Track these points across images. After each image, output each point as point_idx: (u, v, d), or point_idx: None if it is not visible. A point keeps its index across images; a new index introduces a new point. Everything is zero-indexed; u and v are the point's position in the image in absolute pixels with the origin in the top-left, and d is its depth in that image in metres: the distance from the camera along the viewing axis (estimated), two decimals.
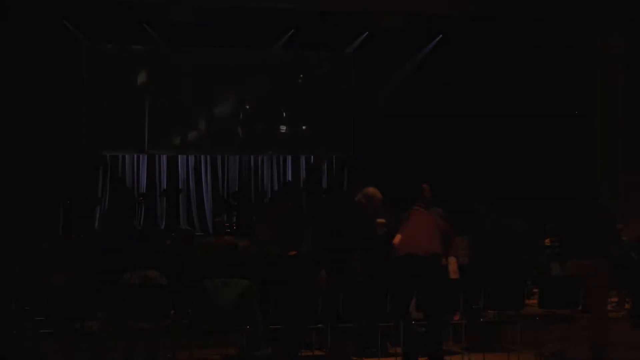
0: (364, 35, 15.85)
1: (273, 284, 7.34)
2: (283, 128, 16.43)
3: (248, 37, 15.23)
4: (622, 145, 14.89)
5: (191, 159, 16.24)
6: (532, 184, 14.73)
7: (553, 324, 7.84)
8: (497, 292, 7.74)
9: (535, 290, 8.94)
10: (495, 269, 8.48)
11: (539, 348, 7.76)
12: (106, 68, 15.43)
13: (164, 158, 16.10)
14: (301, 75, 16.45)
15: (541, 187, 14.64)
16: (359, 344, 7.79)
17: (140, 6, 14.02)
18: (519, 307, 7.83)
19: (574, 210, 8.05)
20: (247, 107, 16.33)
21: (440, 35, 15.81)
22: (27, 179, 14.21)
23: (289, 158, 16.65)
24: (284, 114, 16.41)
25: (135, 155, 15.95)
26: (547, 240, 11.73)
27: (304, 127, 16.53)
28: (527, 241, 9.51)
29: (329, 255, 7.72)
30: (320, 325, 7.34)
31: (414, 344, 7.29)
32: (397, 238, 7.64)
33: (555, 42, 14.71)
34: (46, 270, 7.67)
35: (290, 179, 16.50)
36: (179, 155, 16.14)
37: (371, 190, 8.11)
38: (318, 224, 9.70)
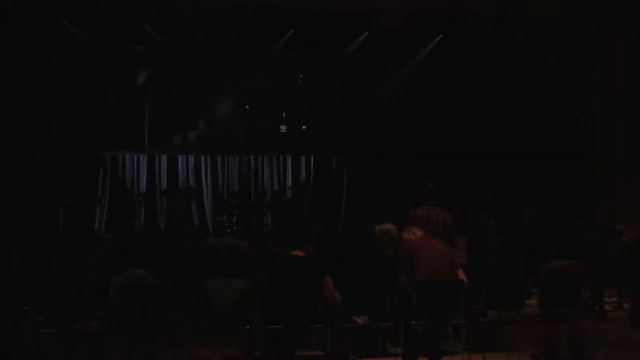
0: (364, 35, 15.85)
1: (273, 284, 7.32)
2: (283, 128, 16.42)
3: (248, 37, 15.23)
4: (622, 145, 14.91)
5: (191, 159, 16.24)
6: (533, 184, 14.74)
7: (552, 324, 7.82)
8: (497, 292, 7.73)
9: (535, 290, 8.94)
10: (495, 269, 8.50)
11: (533, 350, 7.75)
12: (106, 68, 15.42)
13: (164, 158, 16.10)
14: (301, 75, 16.44)
15: (541, 187, 14.65)
16: (359, 344, 7.79)
17: (140, 6, 14.04)
18: (519, 307, 7.83)
19: (539, 212, 8.09)
20: (247, 107, 16.32)
21: (440, 35, 15.82)
22: (27, 178, 14.23)
23: (289, 158, 16.64)
24: (284, 114, 16.41)
25: (135, 155, 15.95)
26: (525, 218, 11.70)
27: (303, 127, 16.52)
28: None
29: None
30: (320, 325, 7.33)
31: (414, 344, 7.28)
32: (404, 279, 7.35)
33: (555, 42, 14.73)
34: (46, 270, 7.66)
35: (291, 179, 16.51)
36: (179, 155, 16.14)
37: (389, 227, 8.09)
38: (321, 226, 9.74)
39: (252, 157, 16.44)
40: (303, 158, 16.67)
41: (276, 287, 7.23)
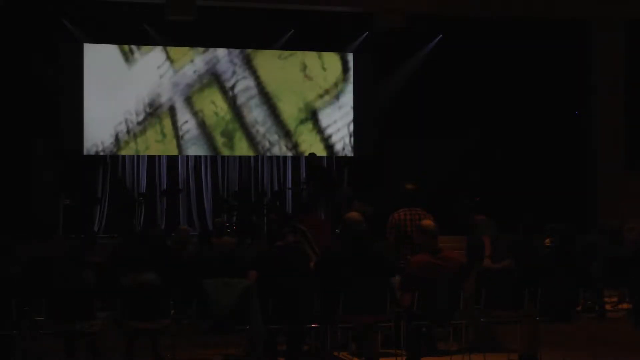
0: (364, 35, 15.86)
1: (271, 278, 7.28)
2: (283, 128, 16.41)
3: (248, 37, 15.23)
4: (622, 145, 14.91)
5: (191, 159, 16.22)
6: (533, 183, 14.75)
7: (551, 324, 7.83)
8: (497, 292, 7.72)
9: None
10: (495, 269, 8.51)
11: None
12: (106, 68, 15.41)
13: (164, 158, 16.08)
14: (301, 75, 16.44)
15: (541, 187, 14.66)
16: (358, 344, 7.79)
17: (140, 6, 14.04)
18: (519, 307, 7.82)
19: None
20: (247, 107, 16.31)
21: (440, 35, 15.82)
22: (26, 179, 14.23)
23: (289, 158, 16.63)
24: (284, 114, 16.39)
25: (135, 155, 15.94)
26: (547, 240, 11.72)
27: (303, 128, 16.51)
28: None
29: None
30: (320, 325, 7.32)
31: (415, 344, 7.26)
32: (407, 298, 7.12)
33: (555, 42, 14.73)
34: (46, 270, 7.66)
35: (291, 179, 16.48)
36: (179, 155, 16.13)
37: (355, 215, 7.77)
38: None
39: (252, 157, 16.43)
40: (303, 158, 16.64)
41: (268, 286, 7.20)
